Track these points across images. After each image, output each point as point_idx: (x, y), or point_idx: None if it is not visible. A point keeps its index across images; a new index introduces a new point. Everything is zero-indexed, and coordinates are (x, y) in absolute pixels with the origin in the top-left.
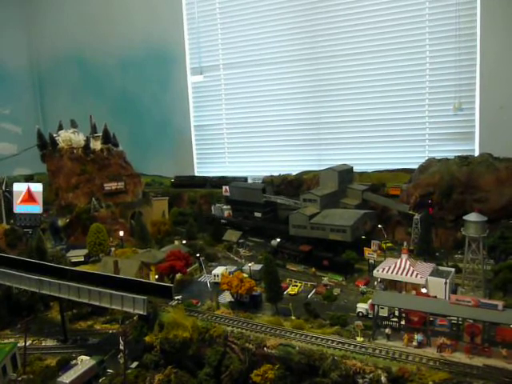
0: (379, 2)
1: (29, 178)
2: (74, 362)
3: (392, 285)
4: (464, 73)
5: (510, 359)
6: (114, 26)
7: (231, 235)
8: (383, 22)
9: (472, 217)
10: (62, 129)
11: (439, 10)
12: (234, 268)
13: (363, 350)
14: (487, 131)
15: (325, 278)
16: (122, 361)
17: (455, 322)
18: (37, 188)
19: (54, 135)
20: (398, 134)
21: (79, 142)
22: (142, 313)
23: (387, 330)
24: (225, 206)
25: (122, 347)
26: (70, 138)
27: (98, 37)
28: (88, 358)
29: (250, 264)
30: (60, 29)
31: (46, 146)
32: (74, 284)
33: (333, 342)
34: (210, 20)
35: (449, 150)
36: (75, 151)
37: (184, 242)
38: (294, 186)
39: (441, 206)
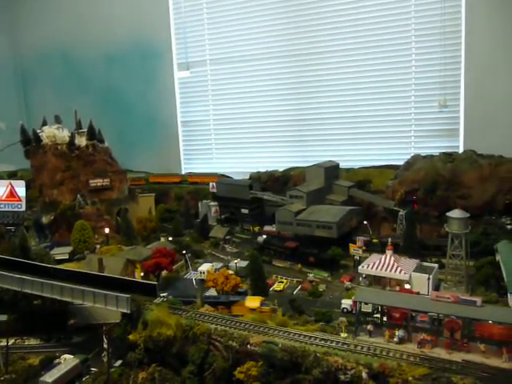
0: None
1: (12, 175)
2: (57, 360)
3: (377, 281)
4: (449, 70)
5: (488, 354)
6: (99, 20)
7: (218, 232)
8: (369, 19)
9: (455, 213)
10: (45, 124)
11: (424, 7)
12: (220, 265)
13: (345, 346)
14: (471, 128)
15: (310, 275)
16: (105, 359)
17: (436, 317)
18: (19, 185)
19: (38, 131)
20: (384, 131)
21: (63, 137)
22: (125, 311)
23: (369, 327)
24: (212, 203)
25: (105, 346)
26: (54, 133)
27: (82, 31)
28: (71, 356)
29: (236, 261)
30: (44, 23)
31: (30, 142)
32: (56, 282)
33: (315, 338)
34: (196, 15)
35: (434, 147)
36: (59, 147)
37: (170, 238)
38: (280, 182)
39: (425, 202)
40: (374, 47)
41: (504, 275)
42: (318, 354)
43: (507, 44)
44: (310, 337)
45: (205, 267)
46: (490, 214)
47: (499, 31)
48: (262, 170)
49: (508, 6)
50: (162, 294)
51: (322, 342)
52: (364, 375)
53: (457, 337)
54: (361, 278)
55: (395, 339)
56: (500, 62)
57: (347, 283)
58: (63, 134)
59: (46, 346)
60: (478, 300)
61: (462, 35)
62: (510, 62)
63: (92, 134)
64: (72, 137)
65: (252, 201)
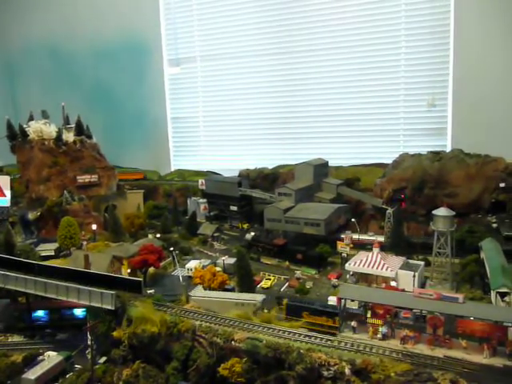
0: None
1: None
2: (40, 357)
3: (363, 278)
4: (437, 70)
5: (469, 350)
6: (88, 15)
7: (206, 229)
8: (360, 18)
9: (440, 211)
10: (32, 119)
11: (414, 7)
12: (208, 262)
13: (329, 342)
14: (459, 127)
15: (298, 272)
16: (89, 356)
17: (419, 314)
18: (4, 180)
19: (25, 126)
20: (374, 129)
21: (50, 133)
22: (109, 307)
23: (353, 323)
24: (201, 200)
25: (89, 342)
26: (40, 129)
27: (71, 25)
28: (55, 353)
29: (223, 258)
30: (32, 16)
31: (16, 137)
32: (40, 279)
33: (300, 335)
34: (186, 11)
35: (422, 146)
36: (46, 143)
37: (158, 235)
38: (269, 179)
39: (413, 200)
40: (364, 46)
41: (488, 273)
42: (301, 351)
43: (495, 45)
44: (295, 333)
45: (192, 264)
46: (477, 212)
47: (487, 32)
48: (252, 167)
49: (496, 7)
50: (149, 291)
51: (306, 338)
52: (347, 371)
53: (439, 333)
54: (348, 276)
55: (379, 335)
56: (488, 62)
57: (334, 280)
58: (50, 130)
59: (29, 343)
60: (460, 297)
61: (450, 35)
62: (497, 62)
63: (80, 130)
64: (59, 132)
65: (241, 198)
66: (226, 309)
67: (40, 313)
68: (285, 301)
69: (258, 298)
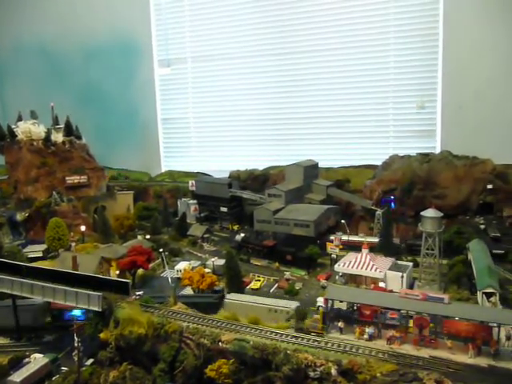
0: (347, 0)
1: None
2: (27, 360)
3: (353, 279)
4: (427, 72)
5: (454, 350)
6: (79, 15)
7: (196, 230)
8: (350, 20)
9: (428, 213)
10: (21, 120)
11: (404, 10)
12: (197, 263)
13: (316, 343)
14: (448, 129)
15: (287, 273)
16: (76, 358)
17: (405, 315)
18: None
19: (13, 126)
20: (364, 131)
21: (39, 133)
22: (96, 309)
23: (340, 324)
24: (191, 201)
25: (76, 344)
26: (29, 129)
27: (61, 25)
28: (42, 355)
29: (213, 259)
30: (21, 16)
31: (4, 138)
32: (26, 280)
33: (287, 336)
34: (177, 12)
35: (412, 147)
36: (35, 143)
37: (148, 236)
38: (260, 180)
39: (402, 201)
40: (354, 48)
41: (475, 273)
42: (288, 351)
43: (484, 48)
44: (282, 334)
45: (181, 265)
46: (465, 213)
47: (476, 35)
48: (242, 168)
49: (485, 11)
50: (138, 293)
51: (293, 339)
52: (333, 372)
53: (425, 333)
54: (337, 277)
55: (365, 336)
56: (477, 65)
57: (323, 281)
58: (39, 130)
59: (16, 345)
60: (446, 297)
61: (439, 38)
62: (486, 65)
63: (69, 130)
64: (48, 133)
65: (231, 199)
66: (257, 314)
67: (77, 312)
68: (321, 310)
69: (292, 305)
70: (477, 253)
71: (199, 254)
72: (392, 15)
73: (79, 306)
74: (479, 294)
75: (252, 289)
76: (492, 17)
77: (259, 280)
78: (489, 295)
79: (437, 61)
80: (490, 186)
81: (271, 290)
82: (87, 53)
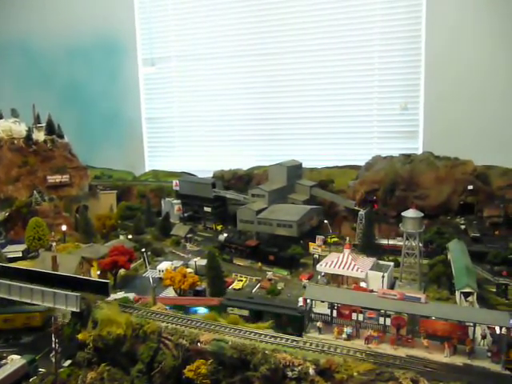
0: (331, 1)
1: None
2: (3, 361)
3: (334, 279)
4: (410, 74)
5: (431, 349)
6: (61, 12)
7: (179, 230)
8: (334, 21)
9: (409, 213)
10: (1, 118)
11: (387, 12)
12: (180, 263)
13: (294, 343)
14: (430, 130)
15: (269, 273)
16: (54, 359)
17: (383, 314)
18: None
19: None
20: (347, 131)
21: (20, 132)
22: (74, 309)
23: (319, 324)
24: (175, 201)
25: (54, 345)
26: (10, 127)
27: (43, 22)
28: (19, 357)
29: (195, 259)
30: (3, 15)
31: None
32: (3, 281)
33: (265, 336)
34: (162, 10)
35: (395, 148)
36: (16, 142)
37: (130, 236)
38: (244, 180)
39: (384, 202)
40: (338, 49)
41: (453, 273)
42: (266, 352)
43: (467, 50)
44: (260, 334)
45: (164, 266)
46: (446, 214)
47: (459, 37)
48: (226, 168)
49: (468, 13)
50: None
51: (272, 339)
52: (311, 371)
53: (402, 333)
54: (319, 276)
55: (343, 336)
56: (460, 67)
57: (305, 281)
58: (20, 128)
59: None
60: (423, 297)
61: (422, 40)
62: (470, 67)
63: (51, 129)
64: (29, 131)
65: (215, 199)
66: None
67: (201, 309)
68: None
69: None
70: (456, 253)
71: (182, 254)
72: (377, 17)
73: (57, 306)
74: (458, 294)
75: (234, 289)
76: (475, 20)
77: (241, 280)
78: (466, 295)
79: (420, 62)
80: (470, 187)
81: (253, 290)
82: (70, 51)
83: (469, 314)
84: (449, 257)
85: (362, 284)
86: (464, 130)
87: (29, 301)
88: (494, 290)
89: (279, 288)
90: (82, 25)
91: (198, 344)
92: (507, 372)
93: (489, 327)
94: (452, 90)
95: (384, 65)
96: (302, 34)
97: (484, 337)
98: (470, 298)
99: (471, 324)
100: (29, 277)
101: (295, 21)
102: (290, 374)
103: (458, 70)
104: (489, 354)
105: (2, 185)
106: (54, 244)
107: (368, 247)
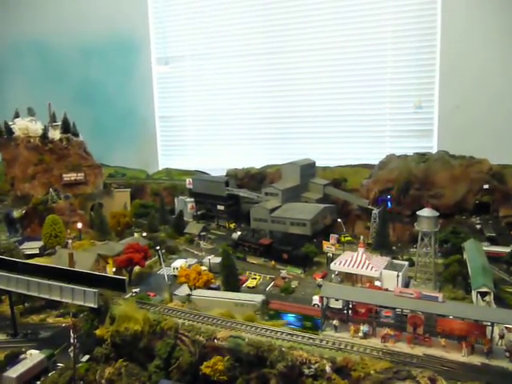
0: None
1: None
2: (23, 356)
3: (348, 278)
4: (424, 72)
5: (448, 349)
6: (76, 12)
7: (193, 228)
8: (348, 19)
9: (424, 212)
10: (18, 117)
11: (401, 9)
12: (194, 261)
13: (311, 341)
14: (445, 129)
15: (283, 271)
16: (72, 354)
17: (400, 313)
18: None
19: (10, 123)
20: (361, 130)
21: (36, 130)
22: (92, 306)
23: (335, 322)
24: (188, 199)
25: (72, 341)
26: (26, 126)
27: (58, 22)
28: (37, 352)
29: (209, 257)
30: (19, 14)
31: (1, 135)
32: (22, 277)
33: (282, 333)
34: (176, 10)
35: (409, 147)
36: (32, 140)
37: (144, 234)
38: (257, 179)
39: (399, 201)
40: (352, 47)
41: (469, 273)
42: (283, 349)
43: (482, 48)
44: (277, 331)
45: (178, 263)
46: (461, 213)
47: (474, 35)
48: (239, 166)
49: (483, 11)
50: (134, 290)
51: (288, 336)
52: (328, 369)
53: (419, 332)
54: (333, 275)
55: (360, 334)
56: (476, 64)
57: (319, 280)
58: (36, 127)
59: (12, 342)
60: (440, 296)
61: (437, 38)
62: (485, 65)
63: (66, 127)
64: (45, 130)
65: (228, 197)
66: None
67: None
68: None
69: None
70: (472, 252)
71: (196, 252)
72: (389, 14)
73: (75, 302)
74: (474, 294)
75: (248, 287)
76: (492, 16)
77: (255, 278)
78: (483, 294)
79: (434, 60)
80: (486, 186)
81: (267, 289)
82: (85, 50)
83: (487, 314)
84: (465, 256)
85: (377, 283)
86: (479, 129)
87: (47, 297)
88: (511, 290)
89: (293, 286)
90: (97, 24)
91: (215, 341)
92: None
93: (507, 327)
94: (467, 88)
95: (398, 62)
96: (316, 32)
97: (502, 336)
98: (486, 298)
99: (489, 323)
100: (46, 273)
101: (309, 19)
102: (306, 371)
103: (474, 67)
104: (507, 353)
105: (18, 182)
106: (69, 241)
107: (382, 246)
